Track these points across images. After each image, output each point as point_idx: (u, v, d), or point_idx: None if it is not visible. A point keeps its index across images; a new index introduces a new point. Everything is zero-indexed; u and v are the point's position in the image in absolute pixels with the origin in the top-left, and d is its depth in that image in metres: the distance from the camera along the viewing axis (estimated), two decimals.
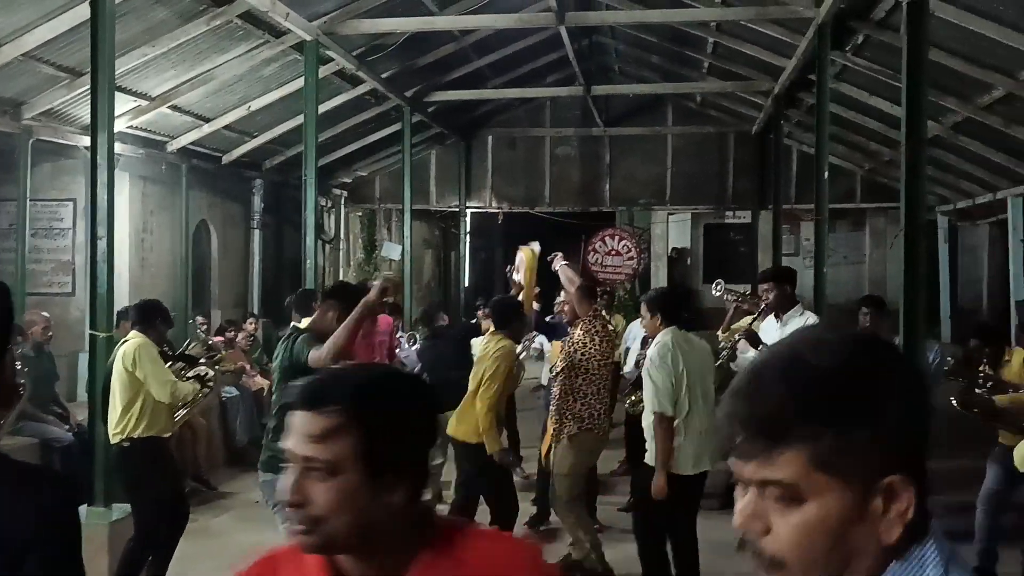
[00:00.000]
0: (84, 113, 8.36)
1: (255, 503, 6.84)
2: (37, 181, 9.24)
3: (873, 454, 0.95)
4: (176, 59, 8.70)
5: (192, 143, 10.99)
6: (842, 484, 0.95)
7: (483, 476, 5.57)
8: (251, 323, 10.45)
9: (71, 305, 9.83)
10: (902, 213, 5.49)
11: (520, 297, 6.26)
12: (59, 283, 10.03)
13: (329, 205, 15.59)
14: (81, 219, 9.57)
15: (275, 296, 12.63)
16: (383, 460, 1.32)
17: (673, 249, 18.49)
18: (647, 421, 4.99)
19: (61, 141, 9.13)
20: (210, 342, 8.27)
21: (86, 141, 6.97)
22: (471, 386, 5.57)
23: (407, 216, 13.80)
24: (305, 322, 5.11)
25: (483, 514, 5.73)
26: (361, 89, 11.52)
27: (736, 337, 5.97)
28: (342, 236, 16.19)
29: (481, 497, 5.77)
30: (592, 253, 14.25)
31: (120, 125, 8.69)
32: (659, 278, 17.35)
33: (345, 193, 16.29)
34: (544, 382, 8.15)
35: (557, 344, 6.74)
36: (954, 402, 5.49)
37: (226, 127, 11.03)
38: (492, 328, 5.84)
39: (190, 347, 6.33)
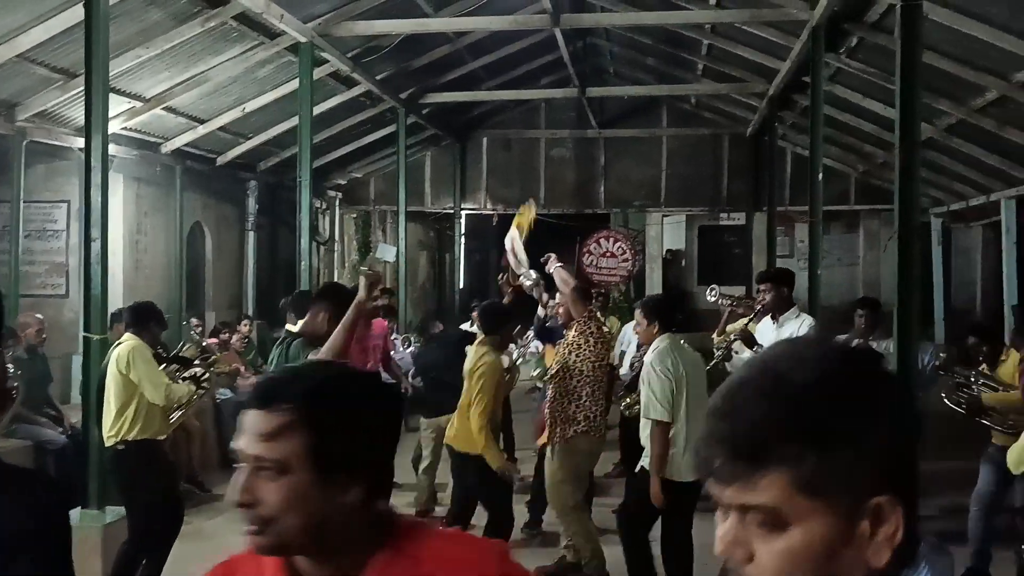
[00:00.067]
0: (78, 114, 8.35)
1: None
2: (31, 182, 9.23)
3: (859, 474, 0.90)
4: (170, 60, 8.69)
5: (186, 144, 10.97)
6: (827, 507, 0.90)
7: (483, 486, 5.54)
8: (245, 325, 10.43)
9: (65, 307, 9.80)
10: (896, 215, 5.50)
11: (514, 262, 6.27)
12: (53, 285, 10.00)
13: (324, 207, 15.58)
14: (75, 221, 9.56)
15: (270, 298, 12.61)
16: (335, 459, 1.30)
17: (668, 251, 18.49)
18: (644, 430, 5.00)
19: (55, 142, 9.11)
20: (204, 344, 8.25)
21: (80, 142, 6.97)
22: (462, 399, 5.55)
23: (402, 218, 13.80)
24: (300, 325, 5.10)
25: (481, 514, 5.75)
26: (356, 91, 11.53)
27: (732, 338, 5.98)
28: (337, 238, 16.17)
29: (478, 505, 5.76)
30: (587, 255, 14.23)
31: (114, 126, 8.68)
32: (653, 280, 17.34)
33: (340, 195, 16.27)
34: (539, 384, 8.14)
35: (551, 351, 6.71)
36: (944, 397, 5.52)
37: (221, 129, 11.02)
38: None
39: (184, 349, 6.32)
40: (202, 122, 10.67)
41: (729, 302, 6.95)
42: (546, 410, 5.96)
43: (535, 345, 8.39)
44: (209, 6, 7.91)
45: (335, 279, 15.03)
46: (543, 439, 6.13)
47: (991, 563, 5.62)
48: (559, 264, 6.16)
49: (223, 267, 12.97)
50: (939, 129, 10.14)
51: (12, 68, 7.59)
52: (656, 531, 5.15)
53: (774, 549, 0.91)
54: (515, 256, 6.49)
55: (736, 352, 5.88)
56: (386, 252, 15.03)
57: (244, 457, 1.30)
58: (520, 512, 6.25)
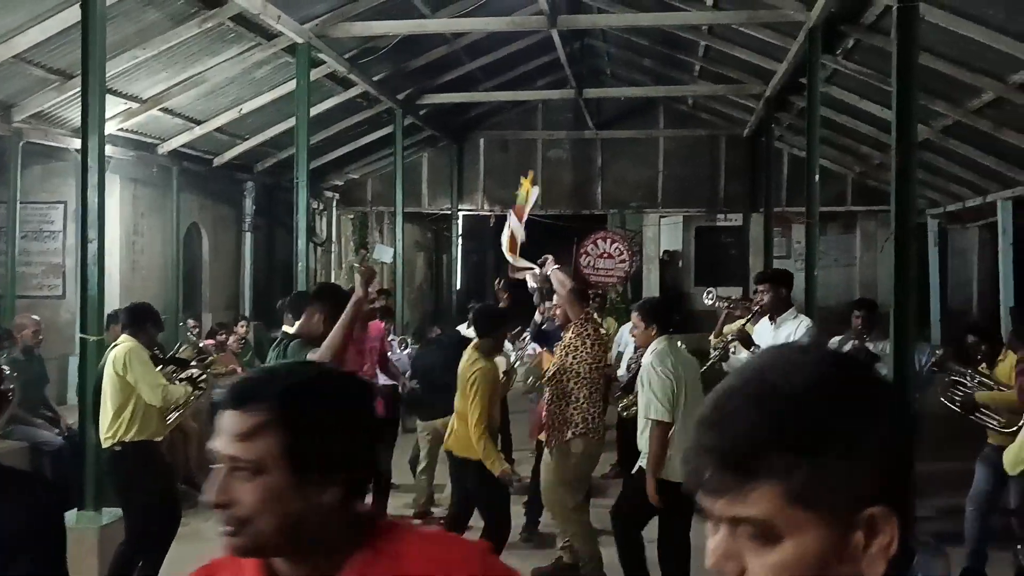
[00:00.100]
0: (75, 115, 8.35)
1: None
2: (27, 183, 9.22)
3: (852, 484, 0.88)
4: (167, 61, 8.68)
5: (183, 145, 10.97)
6: (820, 519, 0.87)
7: (482, 489, 5.53)
8: (242, 326, 10.41)
9: (61, 308, 9.80)
10: (892, 216, 5.50)
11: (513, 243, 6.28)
12: (49, 286, 9.99)
13: (321, 208, 15.58)
14: (71, 222, 9.54)
15: (266, 299, 12.61)
16: (311, 460, 1.28)
17: (665, 252, 18.52)
18: (642, 432, 5.00)
19: (51, 143, 9.09)
20: (201, 345, 8.24)
21: (77, 143, 6.96)
22: (457, 405, 5.53)
23: (399, 219, 13.79)
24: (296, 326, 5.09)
25: (478, 519, 5.74)
26: (353, 92, 11.52)
27: (729, 338, 5.99)
28: (334, 239, 16.17)
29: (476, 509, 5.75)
30: (584, 256, 14.24)
31: (111, 127, 8.68)
32: (651, 281, 17.36)
33: (337, 196, 16.28)
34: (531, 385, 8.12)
35: (547, 355, 6.70)
36: (939, 394, 5.54)
37: (217, 129, 11.01)
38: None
39: (181, 350, 6.31)
40: (199, 123, 10.67)
41: (726, 304, 6.97)
42: (543, 410, 5.95)
43: (532, 347, 8.39)
44: (206, 7, 7.90)
45: (332, 280, 15.04)
46: (540, 436, 6.12)
47: (987, 563, 5.63)
48: (556, 266, 6.16)
49: (220, 268, 12.97)
50: (935, 130, 10.16)
51: (9, 69, 7.59)
52: (653, 532, 5.15)
53: (767, 563, 0.88)
54: (514, 253, 6.47)
55: (733, 352, 5.89)
56: (383, 253, 15.03)
57: (220, 457, 1.29)
58: (517, 514, 6.25)
